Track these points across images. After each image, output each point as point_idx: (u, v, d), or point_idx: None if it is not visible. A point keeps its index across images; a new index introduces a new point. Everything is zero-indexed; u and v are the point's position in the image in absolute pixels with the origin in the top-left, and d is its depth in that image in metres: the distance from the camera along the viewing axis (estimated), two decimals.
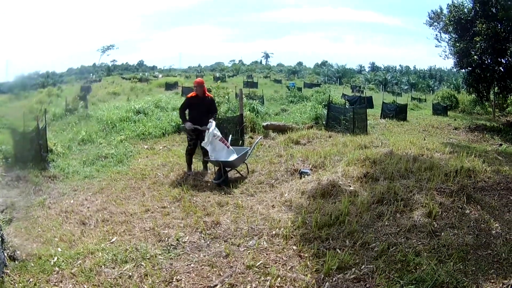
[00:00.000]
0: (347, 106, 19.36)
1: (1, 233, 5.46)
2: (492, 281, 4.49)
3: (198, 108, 9.78)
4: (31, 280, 4.88)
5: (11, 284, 4.78)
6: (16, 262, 5.30)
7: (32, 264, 5.26)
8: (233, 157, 9.27)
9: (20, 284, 4.77)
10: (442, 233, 5.51)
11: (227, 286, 4.55)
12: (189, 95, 10.06)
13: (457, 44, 23.09)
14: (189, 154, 9.97)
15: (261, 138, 10.86)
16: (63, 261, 5.37)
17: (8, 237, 5.77)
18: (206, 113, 9.77)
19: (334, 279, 4.55)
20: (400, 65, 78.27)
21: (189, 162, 10.05)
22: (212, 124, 9.32)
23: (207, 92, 10.02)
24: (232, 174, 9.66)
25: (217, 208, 7.20)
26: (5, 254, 5.29)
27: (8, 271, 5.02)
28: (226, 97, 18.83)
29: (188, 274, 4.90)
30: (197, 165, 10.53)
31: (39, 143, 11.59)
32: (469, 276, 4.55)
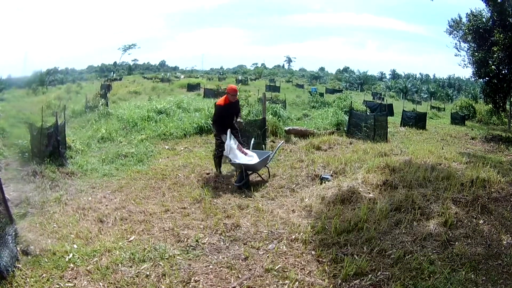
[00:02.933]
0: (368, 113, 19.23)
1: (14, 227, 5.52)
2: None
3: (231, 114, 9.84)
4: (44, 275, 4.91)
5: (22, 278, 4.80)
6: (29, 257, 5.32)
7: (46, 260, 5.28)
8: (255, 160, 9.24)
9: (32, 279, 4.79)
10: (456, 243, 5.50)
11: None
12: (220, 102, 9.91)
13: (476, 54, 22.93)
14: (218, 157, 10.02)
15: (283, 142, 10.84)
16: (78, 257, 5.39)
17: (22, 231, 5.85)
18: (234, 116, 9.95)
19: (351, 285, 4.59)
20: (420, 73, 77.90)
21: (219, 164, 10.15)
22: (227, 136, 9.21)
23: (237, 98, 10.17)
24: (253, 177, 9.61)
25: (238, 210, 7.21)
26: (18, 249, 5.35)
27: (20, 266, 5.04)
28: (246, 100, 18.76)
29: (207, 275, 4.92)
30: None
31: (57, 139, 11.60)
32: (480, 285, 4.57)
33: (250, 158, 9.31)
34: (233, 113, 9.87)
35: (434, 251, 5.32)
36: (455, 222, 6.03)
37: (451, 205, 6.57)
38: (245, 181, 8.89)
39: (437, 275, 4.71)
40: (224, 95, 10.05)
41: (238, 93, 9.99)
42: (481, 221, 6.14)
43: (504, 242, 5.58)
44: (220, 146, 9.67)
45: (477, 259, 5.10)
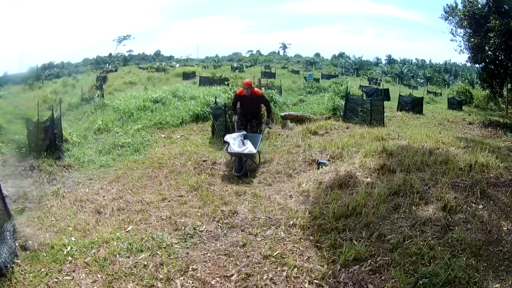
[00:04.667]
0: (364, 98, 19.17)
1: (12, 223, 5.51)
2: (502, 278, 4.49)
3: (246, 104, 10.49)
4: (42, 270, 4.90)
5: (21, 274, 4.79)
6: (28, 252, 5.31)
7: (44, 254, 5.28)
8: (250, 148, 9.28)
9: (31, 274, 4.78)
10: (456, 228, 5.48)
11: (243, 275, 4.56)
12: (238, 91, 10.84)
13: (472, 39, 22.85)
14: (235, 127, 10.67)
15: (268, 123, 11.02)
16: (76, 250, 5.39)
17: (20, 227, 5.84)
18: (254, 108, 10.61)
19: (350, 271, 4.57)
20: (416, 59, 77.38)
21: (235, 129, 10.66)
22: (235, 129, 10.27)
23: (256, 90, 10.60)
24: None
25: (235, 197, 7.21)
26: (16, 244, 5.34)
27: (18, 261, 5.03)
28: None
29: (205, 263, 4.91)
30: (216, 154, 10.63)
31: (53, 132, 11.56)
32: (481, 272, 4.54)
33: (245, 147, 9.33)
34: (249, 104, 10.46)
35: (434, 236, 5.30)
36: (454, 207, 6.00)
37: (450, 189, 6.55)
38: (244, 170, 9.02)
39: (437, 260, 4.69)
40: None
41: (251, 87, 10.38)
42: (481, 206, 6.12)
43: (505, 229, 5.54)
44: (238, 128, 10.33)
45: (477, 245, 5.06)
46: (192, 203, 6.95)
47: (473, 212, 5.93)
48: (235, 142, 9.29)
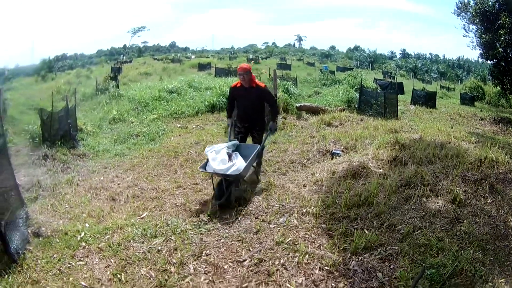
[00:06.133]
0: (378, 91, 19.15)
1: (25, 210, 5.60)
2: (507, 273, 4.52)
3: (243, 101, 7.67)
4: (55, 255, 4.97)
5: (33, 260, 4.86)
6: (40, 239, 5.39)
7: (57, 240, 5.36)
8: (237, 166, 6.59)
9: (43, 260, 4.85)
10: (465, 221, 5.50)
11: (256, 261, 4.63)
12: (233, 84, 7.93)
13: (483, 36, 22.68)
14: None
15: (269, 133, 8.05)
16: (90, 236, 5.47)
17: (33, 214, 5.96)
18: (256, 108, 7.70)
19: (360, 258, 4.62)
20: (430, 54, 76.71)
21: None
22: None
23: (256, 81, 7.65)
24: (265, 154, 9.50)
25: (249, 185, 7.20)
26: (29, 231, 5.44)
27: (31, 248, 5.11)
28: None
29: (218, 248, 4.99)
30: None
31: (68, 122, 11.71)
32: (487, 266, 4.57)
33: (230, 163, 6.64)
34: (247, 101, 7.62)
35: (442, 228, 5.32)
36: (463, 200, 6.02)
37: (459, 183, 6.56)
38: (228, 197, 6.47)
39: (445, 252, 4.73)
40: None
41: (250, 73, 7.46)
42: (489, 201, 6.12)
43: (511, 224, 5.58)
44: (238, 133, 7.81)
45: (484, 239, 5.10)
46: (207, 191, 7.03)
47: (481, 206, 5.95)
48: (217, 157, 6.67)
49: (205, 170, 6.70)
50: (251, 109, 7.64)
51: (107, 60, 48.94)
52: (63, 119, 11.80)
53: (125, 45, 57.25)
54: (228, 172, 6.40)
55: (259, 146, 7.41)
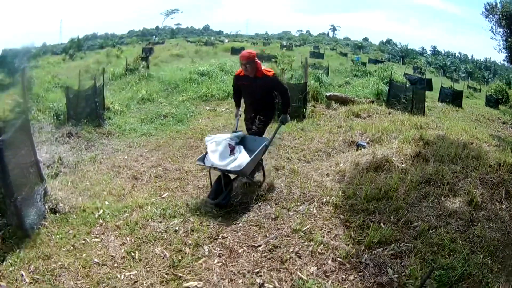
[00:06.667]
0: (407, 86, 19.01)
1: (44, 186, 5.64)
2: None
3: (249, 92, 6.76)
4: (70, 231, 5.06)
5: (47, 236, 4.93)
6: (57, 215, 5.45)
7: (75, 217, 5.45)
8: (240, 161, 5.92)
9: (58, 236, 4.93)
10: (479, 224, 5.44)
11: (270, 247, 4.68)
12: (237, 71, 6.87)
13: (509, 39, 22.39)
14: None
15: (283, 122, 6.77)
16: (108, 214, 5.56)
17: (52, 190, 5.98)
18: (264, 101, 6.75)
19: (373, 252, 4.63)
20: (459, 53, 75.71)
21: None
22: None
23: (263, 69, 6.55)
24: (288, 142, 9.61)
25: (273, 171, 7.21)
26: (46, 207, 5.49)
27: (46, 223, 5.18)
28: (290, 65, 18.61)
29: (235, 232, 5.06)
30: None
31: (95, 100, 11.85)
32: (494, 273, 4.50)
33: (232, 158, 5.99)
34: (252, 92, 6.70)
35: (457, 229, 5.29)
36: (479, 203, 5.97)
37: (478, 185, 6.51)
38: (225, 197, 5.88)
39: (456, 254, 4.68)
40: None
41: (254, 61, 6.37)
42: (504, 206, 6.05)
43: None
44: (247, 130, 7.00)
45: (495, 245, 5.02)
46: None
47: (496, 211, 5.88)
48: (217, 149, 6.03)
49: (203, 163, 6.02)
50: (258, 102, 6.75)
51: (139, 41, 49.28)
52: (90, 98, 11.95)
53: (157, 27, 57.58)
54: (229, 168, 5.75)
55: (267, 139, 6.50)
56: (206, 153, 6.07)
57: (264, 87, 6.48)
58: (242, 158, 5.90)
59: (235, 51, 39.28)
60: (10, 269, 4.26)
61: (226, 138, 6.17)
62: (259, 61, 6.48)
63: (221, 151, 5.94)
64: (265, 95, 6.63)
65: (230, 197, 5.96)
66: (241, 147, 6.19)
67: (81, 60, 34.57)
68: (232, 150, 6.06)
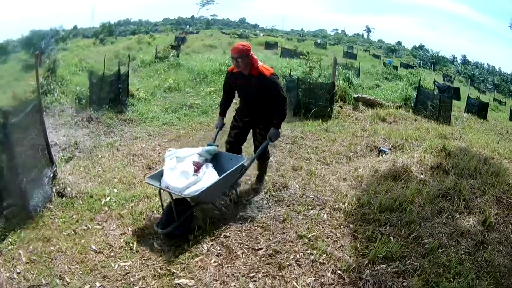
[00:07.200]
0: (435, 93, 18.73)
1: (54, 169, 5.71)
2: None
3: (243, 91, 5.87)
4: (74, 216, 5.11)
5: (50, 219, 4.99)
6: (64, 199, 5.49)
7: (81, 202, 5.50)
8: (202, 184, 4.79)
9: (61, 220, 4.98)
10: (489, 247, 5.18)
11: (271, 251, 4.55)
12: (231, 67, 5.86)
13: None
14: (227, 150, 6.22)
15: (271, 138, 5.74)
16: (115, 201, 5.60)
17: (61, 174, 6.03)
18: (260, 101, 5.70)
19: (376, 268, 4.42)
20: (487, 64, 74.74)
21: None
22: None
23: (260, 67, 5.53)
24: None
25: (290, 171, 7.13)
26: (54, 190, 5.53)
27: (51, 206, 5.22)
28: (318, 63, 18.41)
29: (239, 232, 4.95)
30: (283, 126, 10.30)
31: (118, 86, 11.86)
32: None
33: (193, 179, 4.82)
34: (246, 93, 5.83)
35: (466, 251, 5.05)
36: (493, 224, 5.73)
37: (493, 203, 6.30)
38: (180, 224, 4.76)
39: (461, 278, 4.44)
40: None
41: (248, 55, 5.43)
42: None
43: None
44: (232, 128, 6.31)
45: (501, 271, 4.73)
46: (247, 171, 6.01)
47: (508, 233, 5.63)
48: (177, 166, 4.99)
49: (152, 183, 4.88)
50: (253, 102, 5.81)
51: (173, 29, 49.44)
52: (114, 83, 11.97)
53: (193, 16, 57.63)
54: (185, 193, 4.63)
55: (244, 160, 5.54)
56: (162, 170, 5.02)
57: (260, 88, 5.52)
58: (206, 180, 4.89)
59: (268, 45, 39.60)
60: (9, 247, 4.38)
61: (192, 153, 5.35)
62: (255, 56, 5.54)
63: (182, 170, 4.91)
64: (262, 98, 5.62)
65: (189, 224, 4.95)
66: (210, 165, 5.28)
67: (111, 45, 34.83)
68: (197, 169, 5.13)
